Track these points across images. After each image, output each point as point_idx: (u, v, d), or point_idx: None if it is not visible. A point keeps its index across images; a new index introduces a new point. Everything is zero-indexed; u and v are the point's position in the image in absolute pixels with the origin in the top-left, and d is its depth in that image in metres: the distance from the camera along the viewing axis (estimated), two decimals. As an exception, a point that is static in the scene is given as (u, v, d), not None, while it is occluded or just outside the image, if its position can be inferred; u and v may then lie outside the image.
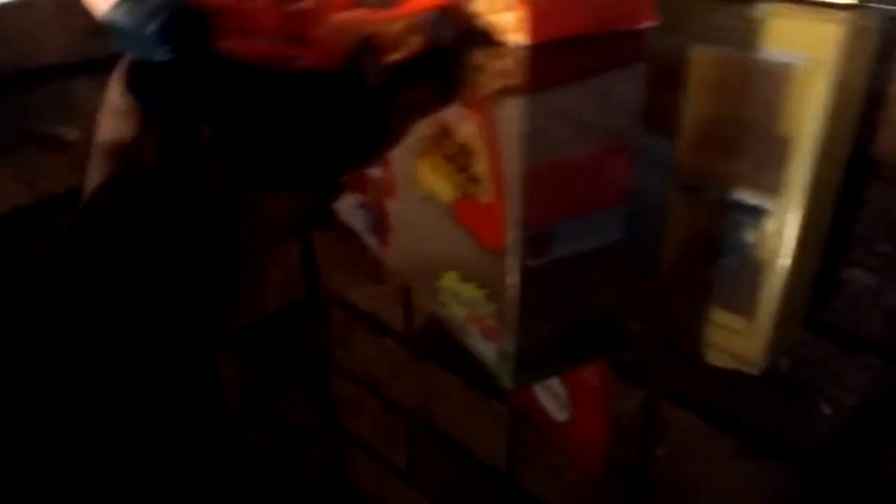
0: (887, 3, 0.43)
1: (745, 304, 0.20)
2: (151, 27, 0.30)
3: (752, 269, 0.21)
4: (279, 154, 0.28)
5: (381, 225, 0.25)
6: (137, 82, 0.33)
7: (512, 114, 0.32)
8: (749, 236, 0.22)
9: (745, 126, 0.30)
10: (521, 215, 0.24)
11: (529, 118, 0.32)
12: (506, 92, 0.34)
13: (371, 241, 0.24)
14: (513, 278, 0.21)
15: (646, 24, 0.39)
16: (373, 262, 0.23)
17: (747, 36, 0.40)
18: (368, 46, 0.31)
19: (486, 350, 0.19)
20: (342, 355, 0.20)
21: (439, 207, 0.25)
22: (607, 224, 0.24)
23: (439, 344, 0.20)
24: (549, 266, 0.21)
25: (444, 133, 0.29)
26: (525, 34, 0.36)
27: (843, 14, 0.42)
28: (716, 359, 0.18)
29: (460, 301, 0.20)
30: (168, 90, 0.32)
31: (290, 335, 0.20)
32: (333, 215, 0.25)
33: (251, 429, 0.18)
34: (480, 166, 0.27)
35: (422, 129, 0.30)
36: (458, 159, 0.27)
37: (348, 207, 0.25)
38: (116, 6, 0.32)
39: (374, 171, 0.27)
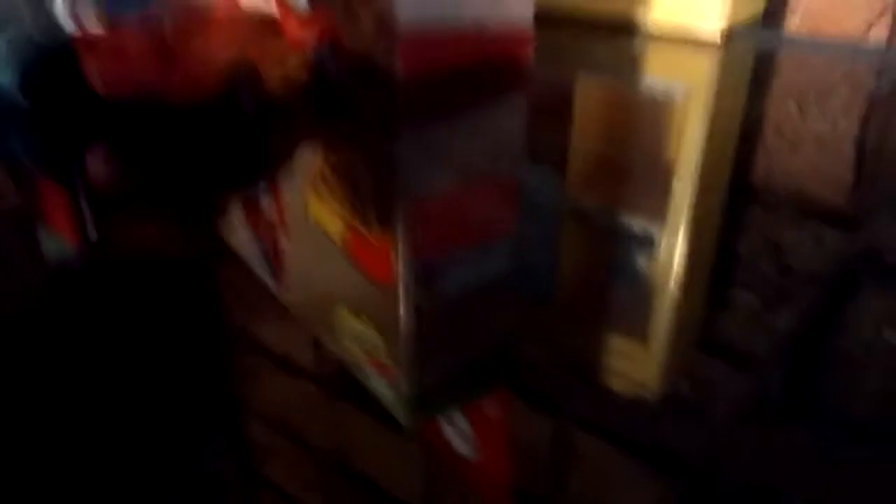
0: (756, 37, 0.46)
1: (639, 329, 0.21)
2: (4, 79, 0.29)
3: (644, 293, 0.22)
4: (151, 188, 0.27)
5: (274, 260, 0.24)
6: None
7: (395, 148, 0.32)
8: (639, 262, 0.23)
9: (629, 154, 0.31)
10: (408, 249, 0.24)
11: (411, 153, 0.32)
12: (388, 126, 0.34)
13: (265, 277, 0.24)
14: (403, 313, 0.21)
15: (523, 58, 0.40)
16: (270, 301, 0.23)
17: (626, 67, 0.43)
18: (246, 76, 0.31)
19: (383, 388, 0.19)
20: (253, 398, 0.19)
21: (330, 242, 0.25)
22: (496, 255, 0.24)
23: (350, 382, 0.19)
24: (440, 299, 0.22)
25: (334, 167, 0.30)
26: (398, 68, 0.37)
27: (715, 46, 0.45)
28: (616, 384, 0.19)
29: (355, 338, 0.20)
30: (30, 136, 0.31)
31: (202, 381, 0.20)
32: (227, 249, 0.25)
33: (163, 476, 0.17)
34: (368, 201, 0.27)
35: (311, 162, 0.30)
36: (347, 196, 0.27)
37: (241, 241, 0.25)
38: None
39: (266, 205, 0.27)
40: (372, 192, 0.28)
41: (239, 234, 0.26)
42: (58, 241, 0.26)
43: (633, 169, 0.30)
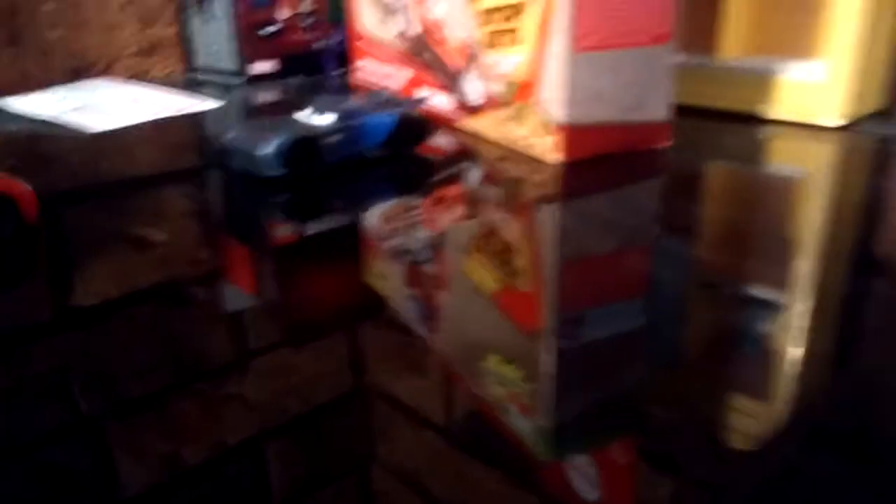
0: (874, 126, 0.50)
1: (763, 391, 0.22)
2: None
3: (769, 357, 0.23)
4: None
5: (431, 315, 0.28)
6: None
7: (548, 217, 0.37)
8: (763, 327, 0.25)
9: (755, 231, 0.34)
10: (555, 303, 0.28)
11: (563, 221, 0.37)
12: (543, 200, 0.39)
13: (421, 330, 0.26)
14: (548, 359, 0.24)
15: (662, 145, 0.46)
16: (416, 355, 0.25)
17: (753, 154, 0.47)
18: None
19: (524, 425, 0.21)
20: (383, 449, 0.20)
21: (484, 298, 0.28)
22: (631, 312, 0.27)
23: (478, 435, 0.21)
24: (580, 348, 0.24)
25: (491, 233, 0.34)
26: (560, 154, 0.43)
27: (835, 135, 0.49)
28: (739, 443, 0.20)
29: (501, 382, 0.23)
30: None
31: (336, 427, 0.21)
32: (382, 308, 0.28)
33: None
34: (521, 261, 0.31)
35: (472, 230, 0.35)
36: (503, 255, 0.32)
37: (399, 299, 0.29)
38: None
39: (428, 267, 0.31)
40: (527, 253, 0.32)
41: (399, 293, 0.29)
42: (241, 295, 0.30)
43: (761, 243, 0.33)
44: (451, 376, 0.24)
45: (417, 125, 0.46)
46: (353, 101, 0.45)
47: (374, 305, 0.28)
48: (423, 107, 0.49)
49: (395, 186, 0.43)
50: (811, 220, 0.36)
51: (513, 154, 0.47)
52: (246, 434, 0.21)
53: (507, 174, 0.44)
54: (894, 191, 0.39)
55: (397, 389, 0.23)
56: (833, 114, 0.49)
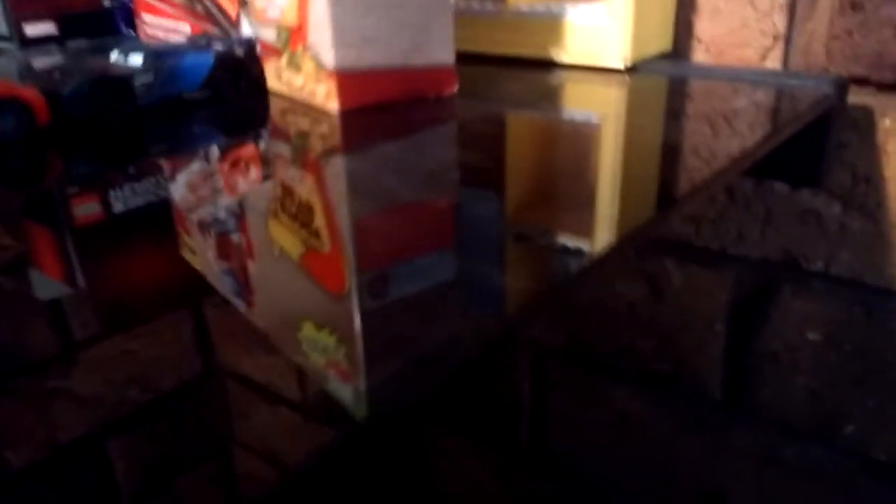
0: (661, 67, 0.51)
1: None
2: None
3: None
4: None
5: (245, 288, 0.27)
6: None
7: (339, 171, 0.36)
8: (570, 274, 0.26)
9: (558, 179, 0.35)
10: (356, 262, 0.27)
11: (354, 174, 0.36)
12: (331, 153, 0.38)
13: (239, 305, 0.26)
14: (356, 320, 0.24)
15: (448, 91, 0.45)
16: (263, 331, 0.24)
17: (542, 99, 0.47)
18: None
19: (343, 391, 0.21)
20: (241, 430, 0.20)
21: (291, 263, 0.28)
22: (439, 266, 0.27)
23: (331, 406, 0.21)
24: (389, 306, 0.24)
25: (287, 192, 0.33)
26: (337, 102, 0.42)
27: (623, 77, 0.49)
28: None
29: (318, 349, 0.23)
30: None
31: (187, 413, 0.21)
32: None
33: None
34: (318, 220, 0.30)
35: (269, 191, 0.33)
36: (301, 216, 0.31)
37: (215, 275, 0.28)
38: None
39: (235, 236, 0.30)
40: (322, 212, 0.31)
41: (213, 267, 0.28)
42: (50, 283, 0.28)
43: (564, 192, 0.33)
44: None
45: (238, 65, 0.45)
46: (164, 44, 0.43)
47: (204, 281, 0.27)
48: (248, 46, 0.47)
49: (214, 132, 0.42)
50: (603, 163, 0.36)
51: (297, 105, 0.44)
52: (80, 431, 0.20)
53: (294, 127, 0.41)
54: (683, 130, 0.40)
55: (247, 368, 0.22)
56: (617, 56, 0.49)
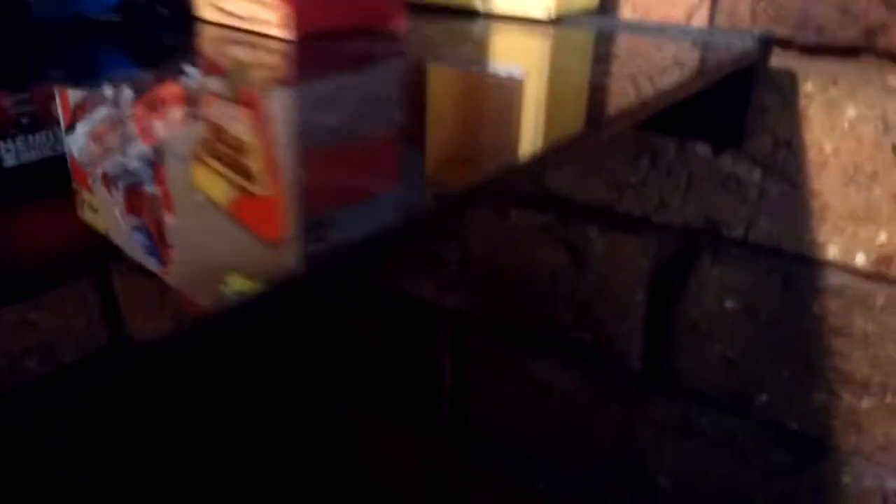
0: (586, 21, 0.49)
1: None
2: None
3: None
4: None
5: (159, 244, 0.24)
6: None
7: (281, 106, 0.33)
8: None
9: (482, 135, 0.32)
10: (298, 204, 0.25)
11: (298, 109, 0.33)
12: (274, 86, 0.35)
13: (151, 263, 0.23)
14: (294, 267, 0.21)
15: (397, 25, 0.43)
16: (174, 301, 0.22)
17: (469, 50, 0.44)
18: None
19: None
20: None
21: (217, 211, 0.25)
22: (383, 208, 0.25)
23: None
24: (329, 253, 0.22)
25: (216, 133, 0.30)
26: (287, 29, 0.39)
27: (548, 28, 0.47)
28: None
29: None
30: None
31: (91, 387, 0.19)
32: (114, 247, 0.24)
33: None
34: (254, 161, 0.27)
35: (196, 133, 0.30)
36: (232, 157, 0.27)
37: (122, 233, 0.24)
38: None
39: (148, 188, 0.27)
40: (260, 151, 0.28)
41: (120, 225, 0.25)
42: None
43: (488, 149, 0.31)
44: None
45: None
46: None
47: (107, 244, 0.24)
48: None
49: (128, 64, 0.38)
50: (535, 120, 0.34)
51: (237, 35, 0.41)
52: None
53: (233, 58, 0.37)
54: (603, 77, 0.38)
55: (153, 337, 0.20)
56: (540, 7, 0.47)
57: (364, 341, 0.76)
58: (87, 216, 0.26)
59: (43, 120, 0.33)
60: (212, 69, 0.38)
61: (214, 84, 0.36)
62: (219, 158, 0.28)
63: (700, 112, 0.47)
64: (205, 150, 0.29)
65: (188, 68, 0.39)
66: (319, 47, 0.41)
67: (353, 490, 0.85)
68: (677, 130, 0.49)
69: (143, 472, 0.80)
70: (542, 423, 0.68)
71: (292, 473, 0.90)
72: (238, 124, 0.31)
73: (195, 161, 0.28)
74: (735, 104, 0.45)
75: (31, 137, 0.31)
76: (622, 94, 0.35)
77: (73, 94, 0.36)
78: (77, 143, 0.31)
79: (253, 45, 0.41)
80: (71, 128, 0.33)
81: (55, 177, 0.29)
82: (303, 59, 0.39)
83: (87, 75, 0.36)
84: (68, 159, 0.30)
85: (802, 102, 0.48)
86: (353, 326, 0.77)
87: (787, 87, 0.48)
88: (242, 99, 0.34)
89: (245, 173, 0.27)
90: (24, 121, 0.33)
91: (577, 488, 0.68)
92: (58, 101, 0.35)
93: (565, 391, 0.65)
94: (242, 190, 0.26)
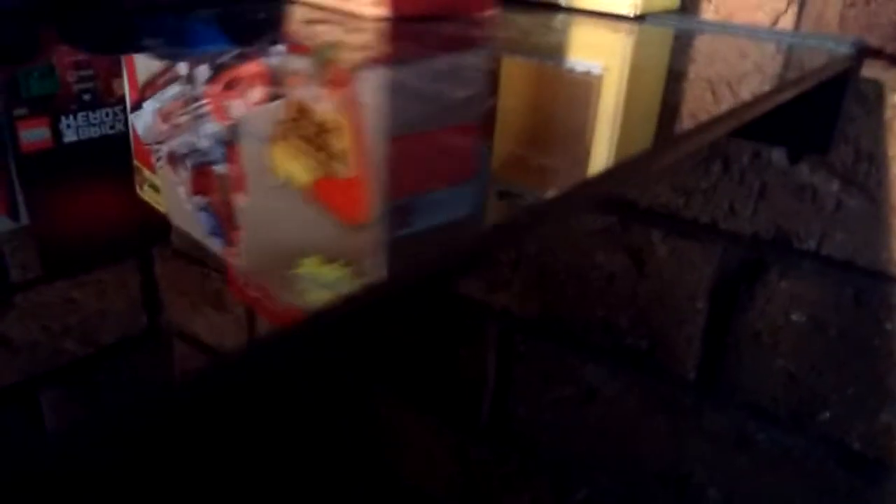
0: (668, 18, 0.48)
1: None
2: None
3: None
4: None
5: (226, 225, 0.23)
6: None
7: (374, 87, 0.33)
8: None
9: (553, 133, 0.32)
10: (383, 188, 0.24)
11: (390, 92, 0.32)
12: (365, 66, 0.34)
13: (214, 244, 0.22)
14: (376, 253, 0.21)
15: (487, 13, 0.43)
16: (216, 289, 0.22)
17: (548, 45, 0.44)
18: None
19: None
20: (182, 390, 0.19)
21: (296, 192, 0.24)
22: (463, 196, 0.24)
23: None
24: (411, 238, 0.21)
25: (301, 113, 0.29)
26: (381, 9, 0.39)
27: (631, 26, 0.47)
28: None
29: (323, 284, 0.20)
30: None
31: (128, 371, 0.19)
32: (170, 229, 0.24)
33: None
34: (341, 142, 0.26)
35: (274, 112, 0.29)
36: (319, 138, 0.27)
37: (185, 214, 0.24)
38: None
39: (220, 168, 0.26)
40: (347, 133, 0.27)
41: (183, 205, 0.24)
42: None
43: (560, 146, 0.30)
44: (254, 309, 0.20)
45: None
46: None
47: (162, 225, 0.24)
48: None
49: (211, 34, 0.36)
50: (608, 121, 0.33)
51: (325, 14, 0.41)
52: (11, 379, 0.18)
53: (321, 38, 0.37)
54: (690, 80, 0.37)
55: (195, 328, 0.20)
56: (626, 2, 0.46)
57: (405, 335, 0.76)
58: (148, 195, 0.25)
59: (105, 97, 0.33)
60: (299, 48, 0.38)
61: (301, 63, 0.35)
62: (303, 139, 0.27)
63: (783, 119, 0.46)
64: (288, 129, 0.28)
65: (275, 46, 0.38)
66: (409, 30, 0.40)
67: (383, 487, 0.85)
68: (756, 136, 0.48)
69: (173, 463, 0.80)
70: (586, 428, 0.67)
71: (322, 467, 0.90)
72: (324, 104, 0.30)
73: (276, 141, 0.27)
74: (823, 112, 0.44)
75: (92, 114, 0.31)
76: (712, 101, 0.34)
77: (143, 71, 0.36)
78: (143, 120, 0.31)
79: (343, 25, 0.40)
80: (137, 105, 0.32)
81: (114, 154, 0.29)
82: (393, 41, 0.39)
83: (175, 48, 0.36)
84: (130, 137, 0.30)
85: (888, 114, 0.46)
86: (396, 317, 0.76)
87: (873, 97, 0.47)
88: (330, 79, 0.33)
89: (330, 154, 0.26)
90: (87, 97, 0.32)
91: (619, 498, 0.67)
92: (125, 77, 0.35)
93: (613, 397, 0.64)
94: (326, 171, 0.25)
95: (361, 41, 0.38)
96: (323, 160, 0.25)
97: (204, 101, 0.32)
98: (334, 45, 0.37)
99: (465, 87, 0.34)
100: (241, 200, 0.24)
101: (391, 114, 0.30)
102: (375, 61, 0.36)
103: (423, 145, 0.27)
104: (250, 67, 0.35)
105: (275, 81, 0.33)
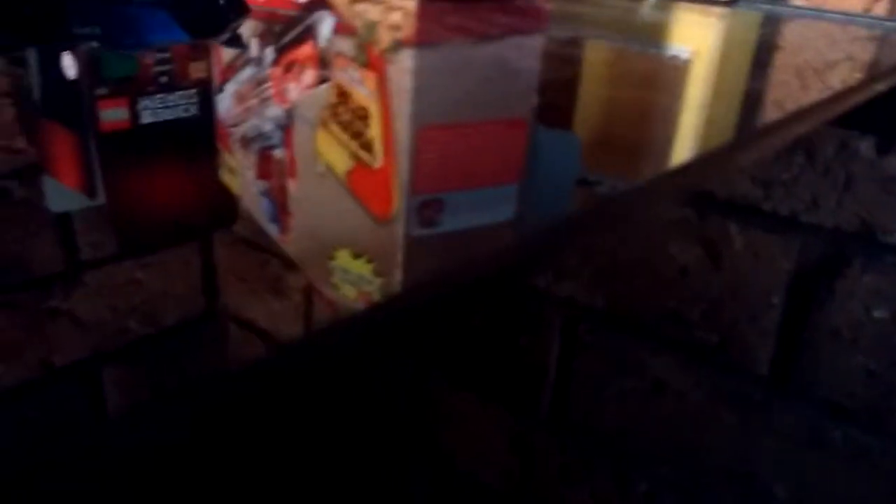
0: (762, 2, 0.47)
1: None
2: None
3: None
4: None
5: (281, 211, 0.23)
6: None
7: (406, 71, 0.31)
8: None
9: (636, 119, 0.30)
10: (410, 180, 0.23)
11: (424, 75, 0.30)
12: (401, 48, 0.33)
13: (272, 230, 0.22)
14: (399, 248, 0.20)
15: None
16: (274, 275, 0.21)
17: (635, 29, 0.43)
18: None
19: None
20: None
21: (335, 181, 0.23)
22: (501, 200, 0.23)
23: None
24: (437, 238, 0.20)
25: (342, 98, 0.28)
26: None
27: (722, 10, 0.46)
28: None
29: (350, 280, 0.19)
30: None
31: (185, 352, 0.19)
32: (237, 212, 0.23)
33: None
34: (373, 129, 0.25)
35: (321, 96, 0.28)
36: (354, 125, 0.26)
37: (251, 197, 0.24)
38: None
39: (278, 152, 0.26)
40: (379, 120, 0.26)
41: (250, 188, 0.24)
42: (66, 193, 0.24)
43: (643, 134, 0.29)
44: (311, 296, 0.20)
45: None
46: None
47: (230, 209, 0.23)
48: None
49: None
50: (695, 108, 0.32)
51: None
52: (76, 355, 0.18)
53: (363, 17, 0.36)
54: (776, 75, 0.36)
55: (252, 313, 0.20)
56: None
57: (467, 321, 0.76)
58: (226, 178, 0.25)
59: (181, 80, 0.33)
60: (346, 28, 0.36)
61: (345, 45, 0.34)
62: (341, 125, 0.26)
63: (874, 106, 0.45)
64: (330, 115, 0.27)
65: (322, 28, 0.37)
66: (457, 10, 0.38)
67: (438, 472, 0.85)
68: (845, 123, 0.47)
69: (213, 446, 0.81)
70: (650, 421, 0.66)
71: (379, 452, 0.91)
72: (362, 89, 0.29)
73: (321, 126, 0.26)
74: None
75: (168, 96, 0.31)
76: (800, 88, 0.33)
77: (226, 53, 0.36)
78: (223, 103, 0.31)
79: (386, 4, 0.38)
80: (220, 88, 0.32)
81: (190, 137, 0.28)
82: (438, 20, 0.36)
83: (116, 37, 0.35)
84: (214, 119, 0.29)
85: None
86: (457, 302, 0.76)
87: (972, 86, 0.45)
88: (369, 62, 0.31)
89: (364, 143, 0.25)
90: (164, 80, 0.33)
91: (682, 493, 0.66)
92: (212, 59, 0.35)
93: (681, 390, 0.63)
94: (359, 160, 0.24)
95: (404, 21, 0.36)
96: (358, 148, 0.24)
97: (268, 84, 0.31)
98: (374, 25, 0.36)
99: (514, 75, 0.32)
100: (292, 187, 0.24)
101: (425, 99, 0.28)
102: (414, 43, 0.34)
103: (459, 138, 0.25)
104: (305, 49, 0.35)
105: (323, 63, 0.33)
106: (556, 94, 0.33)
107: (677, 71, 0.37)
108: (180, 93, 0.32)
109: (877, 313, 0.52)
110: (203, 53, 0.36)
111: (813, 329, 0.54)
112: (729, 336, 0.59)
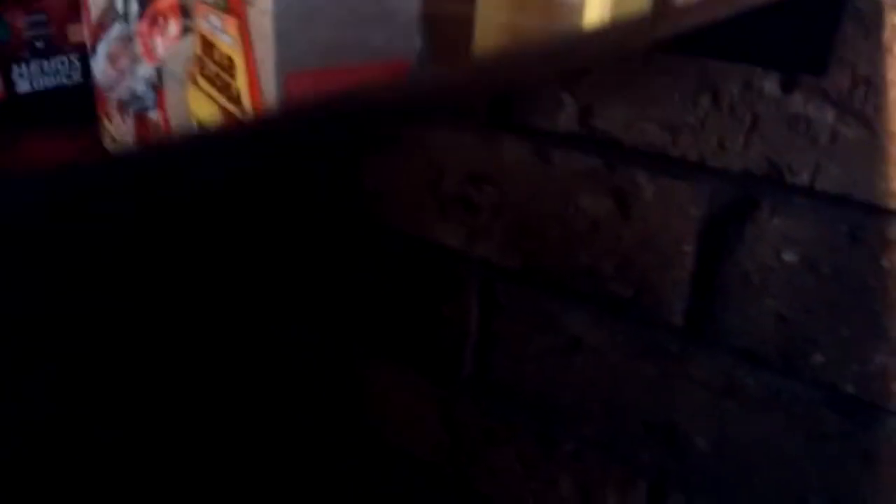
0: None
1: None
2: None
3: None
4: None
5: None
6: None
7: (266, 13, 0.28)
8: None
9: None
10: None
11: (287, 17, 0.28)
12: None
13: None
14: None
15: None
16: None
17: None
18: None
19: None
20: None
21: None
22: None
23: None
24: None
25: (206, 49, 0.25)
26: None
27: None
28: None
29: None
30: None
31: None
32: None
33: None
34: (239, 80, 0.23)
35: (187, 49, 0.26)
36: (220, 77, 0.23)
37: None
38: None
39: (153, 114, 0.23)
40: (243, 71, 0.24)
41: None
42: None
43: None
44: None
45: None
46: None
47: None
48: None
49: None
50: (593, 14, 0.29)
51: None
52: None
53: None
54: None
55: None
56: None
57: (382, 288, 0.73)
58: (111, 147, 0.23)
59: (60, 43, 0.29)
60: None
61: None
62: (208, 78, 0.24)
63: (776, 38, 0.43)
64: (197, 69, 0.25)
65: None
66: None
67: (364, 445, 0.83)
68: (749, 58, 0.45)
69: (151, 424, 0.77)
70: (571, 379, 0.65)
71: (300, 426, 0.88)
72: (225, 37, 0.26)
73: (190, 82, 0.24)
74: (819, 30, 0.41)
75: (45, 62, 0.28)
76: None
77: (94, 10, 0.32)
78: (98, 66, 0.27)
79: None
80: (93, 49, 0.29)
81: (73, 105, 0.26)
82: None
83: None
84: (92, 85, 0.26)
85: (887, 35, 0.43)
86: (371, 271, 0.73)
87: (872, 17, 0.43)
88: (228, 6, 0.29)
89: (231, 96, 0.23)
90: (39, 44, 0.29)
91: (606, 449, 0.65)
92: (83, 20, 0.31)
93: (598, 346, 0.62)
94: (228, 114, 0.22)
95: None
96: (224, 103, 0.22)
97: (136, 40, 0.28)
98: None
99: (396, 13, 0.30)
100: None
101: (292, 46, 0.25)
102: None
103: (335, 85, 0.23)
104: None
105: (186, 12, 0.29)
106: (450, 30, 0.30)
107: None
108: (60, 58, 0.28)
109: (786, 257, 0.51)
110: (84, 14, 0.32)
111: (724, 276, 0.53)
112: (643, 288, 0.57)
